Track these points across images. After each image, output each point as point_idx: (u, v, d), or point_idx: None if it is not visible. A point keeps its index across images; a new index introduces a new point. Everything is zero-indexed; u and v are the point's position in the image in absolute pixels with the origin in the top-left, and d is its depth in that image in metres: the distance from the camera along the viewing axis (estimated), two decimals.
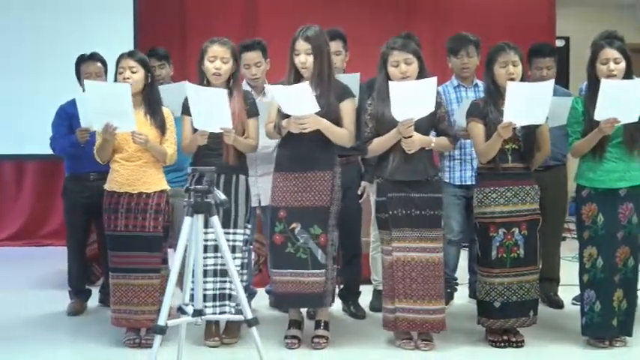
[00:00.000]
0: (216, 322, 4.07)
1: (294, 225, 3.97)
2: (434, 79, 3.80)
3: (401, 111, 3.78)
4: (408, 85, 3.82)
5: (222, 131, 3.88)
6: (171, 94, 4.23)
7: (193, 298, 3.35)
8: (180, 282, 3.41)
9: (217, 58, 3.99)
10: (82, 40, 6.30)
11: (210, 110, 3.84)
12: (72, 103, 4.52)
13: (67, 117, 4.69)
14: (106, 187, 4.08)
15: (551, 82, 3.90)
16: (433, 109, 3.83)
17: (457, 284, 4.91)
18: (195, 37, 6.27)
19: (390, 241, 3.94)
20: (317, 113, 3.85)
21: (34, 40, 6.67)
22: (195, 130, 3.97)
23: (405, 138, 3.85)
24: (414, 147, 3.88)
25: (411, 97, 3.77)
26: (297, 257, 3.96)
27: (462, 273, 4.96)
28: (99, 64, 4.76)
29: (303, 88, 3.81)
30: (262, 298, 4.80)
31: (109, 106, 3.82)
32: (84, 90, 4.64)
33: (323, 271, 3.96)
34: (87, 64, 4.76)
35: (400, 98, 3.76)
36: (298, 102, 3.82)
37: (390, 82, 3.83)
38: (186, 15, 7.25)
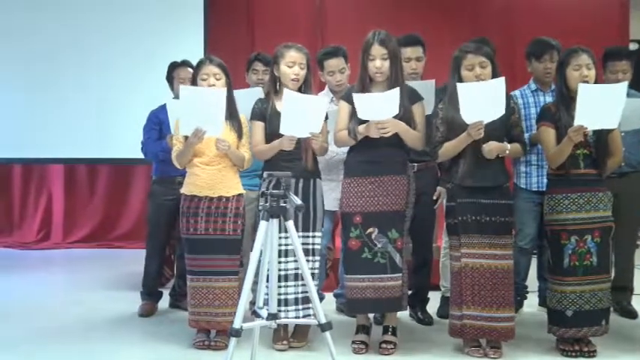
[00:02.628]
0: (285, 326, 4.09)
1: (370, 230, 3.95)
2: (502, 80, 3.75)
3: (470, 113, 3.74)
4: (476, 86, 3.77)
5: (310, 136, 3.91)
6: (241, 99, 4.25)
7: (267, 302, 3.38)
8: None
9: (296, 63, 4.03)
10: (152, 45, 6.46)
11: (305, 116, 3.84)
12: (162, 109, 4.62)
13: (157, 122, 4.83)
14: (184, 190, 4.12)
15: (625, 84, 3.80)
16: (504, 111, 3.78)
17: (527, 292, 4.83)
18: (264, 43, 6.34)
19: (458, 247, 3.91)
20: (394, 117, 3.85)
21: (103, 44, 6.80)
22: (272, 136, 4.00)
23: (482, 144, 3.80)
24: (492, 155, 3.84)
25: (480, 99, 3.72)
26: (374, 262, 3.95)
27: (531, 281, 4.88)
28: (189, 69, 4.86)
29: (393, 95, 3.79)
30: (329, 303, 4.83)
31: (201, 111, 3.84)
32: (175, 95, 4.77)
33: (400, 274, 3.96)
34: (179, 70, 4.91)
35: (469, 100, 3.72)
36: (381, 107, 3.81)
37: (457, 83, 3.80)
38: (255, 21, 7.31)
